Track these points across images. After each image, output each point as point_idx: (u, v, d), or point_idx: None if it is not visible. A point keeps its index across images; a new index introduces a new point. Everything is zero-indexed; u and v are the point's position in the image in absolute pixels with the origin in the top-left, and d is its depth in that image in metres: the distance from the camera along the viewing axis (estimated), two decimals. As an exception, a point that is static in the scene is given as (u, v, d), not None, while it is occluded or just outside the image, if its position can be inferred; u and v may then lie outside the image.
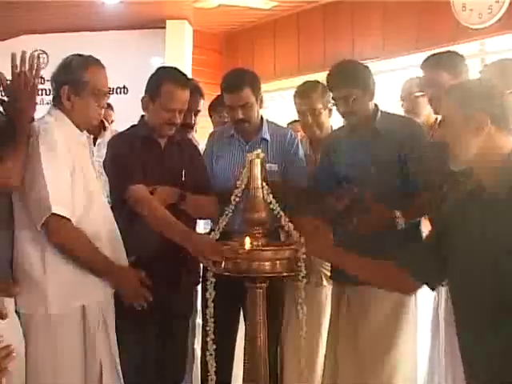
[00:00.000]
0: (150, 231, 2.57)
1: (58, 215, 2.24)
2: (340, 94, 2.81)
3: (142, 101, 2.85)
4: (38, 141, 2.28)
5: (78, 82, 2.40)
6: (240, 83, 2.97)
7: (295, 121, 3.87)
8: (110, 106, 4.64)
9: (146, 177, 2.69)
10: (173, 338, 2.82)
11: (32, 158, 2.27)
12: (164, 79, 2.76)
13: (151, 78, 2.84)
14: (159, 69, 2.92)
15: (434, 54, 2.96)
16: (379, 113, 2.85)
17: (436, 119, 3.56)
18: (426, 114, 3.54)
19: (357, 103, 2.78)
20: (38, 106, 2.33)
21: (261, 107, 3.10)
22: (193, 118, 3.36)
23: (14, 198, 2.30)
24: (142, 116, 2.91)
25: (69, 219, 2.28)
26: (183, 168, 2.86)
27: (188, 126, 3.31)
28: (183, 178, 2.84)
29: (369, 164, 2.79)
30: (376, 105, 2.88)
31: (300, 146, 3.19)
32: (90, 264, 2.35)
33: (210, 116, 3.98)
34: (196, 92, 3.28)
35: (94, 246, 2.34)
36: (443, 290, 2.97)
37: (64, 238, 2.29)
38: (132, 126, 2.94)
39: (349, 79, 2.79)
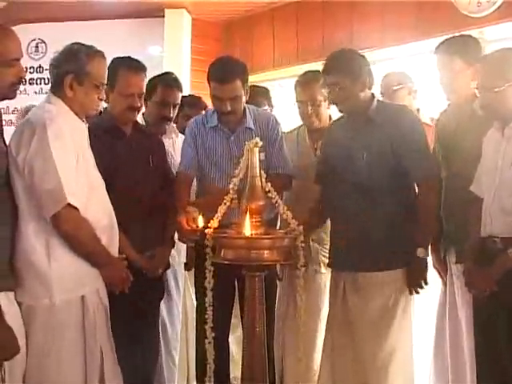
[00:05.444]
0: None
1: (71, 205, 2.26)
2: (328, 81, 2.83)
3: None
4: (46, 130, 2.26)
5: (82, 72, 2.41)
6: (232, 75, 2.93)
7: None
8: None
9: (113, 164, 2.78)
10: (147, 320, 2.98)
11: (41, 148, 2.24)
12: (119, 67, 2.88)
13: (107, 68, 2.88)
14: (114, 59, 2.95)
15: (448, 39, 2.91)
16: (374, 102, 2.86)
17: (417, 110, 3.60)
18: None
19: (344, 92, 2.78)
20: (37, 95, 2.32)
21: (247, 98, 3.07)
22: (171, 110, 3.36)
23: (19, 189, 2.28)
24: (105, 108, 2.97)
25: (78, 209, 2.29)
26: (150, 155, 2.98)
27: (167, 119, 3.35)
28: (151, 164, 2.96)
29: (361, 153, 2.80)
30: (372, 94, 2.88)
31: (281, 131, 3.16)
32: (92, 255, 2.37)
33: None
34: (175, 85, 3.32)
35: (98, 238, 2.36)
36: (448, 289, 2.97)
37: (75, 229, 2.29)
38: (96, 117, 3.02)
39: (337, 68, 2.79)
